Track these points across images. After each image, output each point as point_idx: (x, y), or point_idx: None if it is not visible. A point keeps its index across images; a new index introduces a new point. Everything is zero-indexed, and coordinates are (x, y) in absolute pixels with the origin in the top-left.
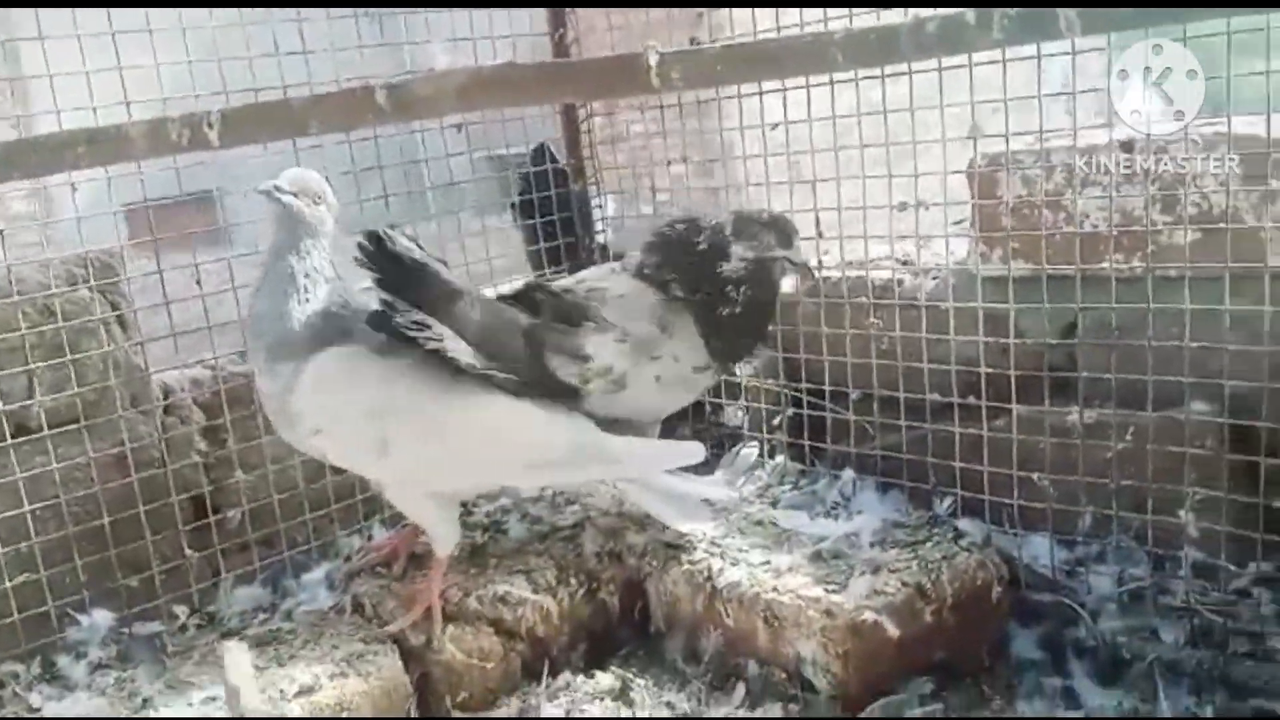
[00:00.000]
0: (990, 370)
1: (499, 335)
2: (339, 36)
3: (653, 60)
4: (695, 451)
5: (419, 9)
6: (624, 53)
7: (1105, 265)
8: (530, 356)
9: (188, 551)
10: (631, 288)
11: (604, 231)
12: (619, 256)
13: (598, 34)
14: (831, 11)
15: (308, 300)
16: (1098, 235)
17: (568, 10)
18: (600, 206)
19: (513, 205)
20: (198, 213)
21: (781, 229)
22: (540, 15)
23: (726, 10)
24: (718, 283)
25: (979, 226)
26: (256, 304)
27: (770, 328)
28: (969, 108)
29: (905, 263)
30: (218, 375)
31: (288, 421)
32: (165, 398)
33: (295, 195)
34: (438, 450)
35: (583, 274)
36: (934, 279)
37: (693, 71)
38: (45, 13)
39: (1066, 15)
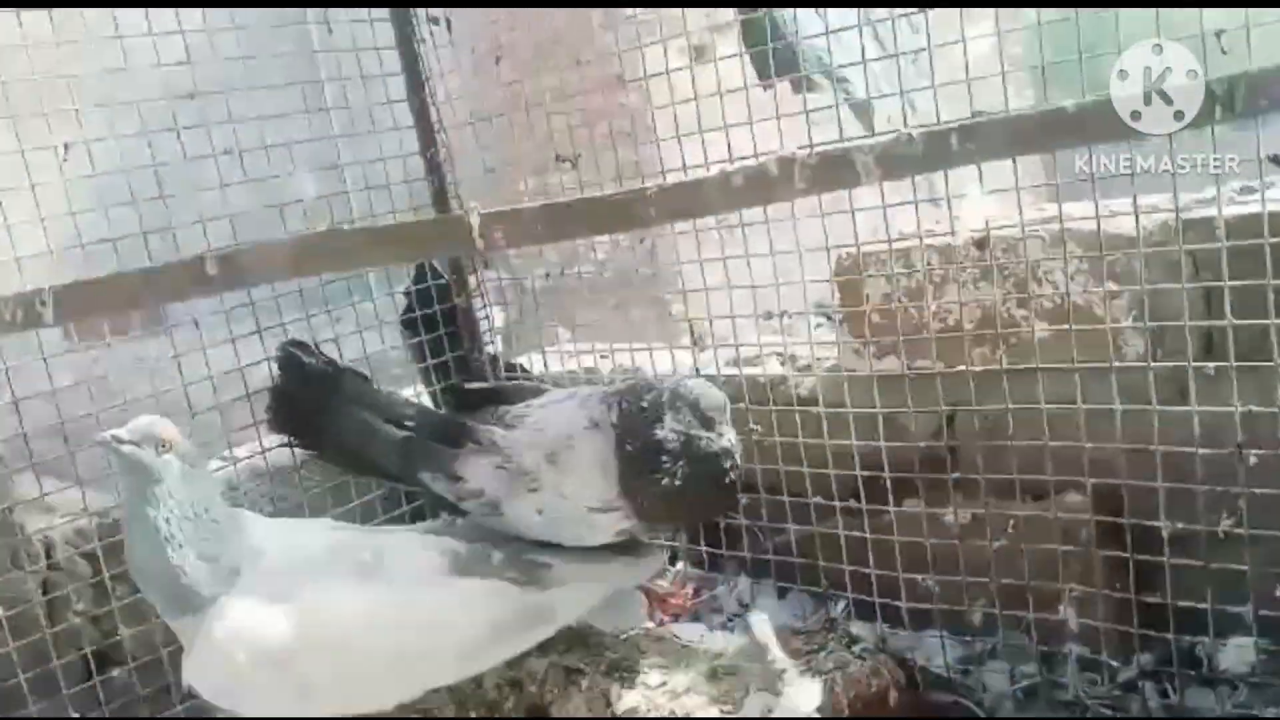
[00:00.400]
0: (866, 473)
1: (374, 442)
2: (200, 177)
3: (474, 221)
4: (650, 568)
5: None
6: (447, 215)
7: (974, 363)
8: (404, 469)
9: (72, 715)
10: (567, 421)
11: (491, 343)
12: (510, 367)
13: (468, 152)
14: None
15: (181, 546)
16: (959, 332)
17: (437, 130)
18: (487, 318)
19: (402, 324)
20: None
21: (702, 412)
22: (410, 136)
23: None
24: (649, 443)
25: (853, 326)
26: (134, 558)
27: (707, 510)
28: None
29: (790, 359)
30: (101, 525)
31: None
32: (48, 555)
33: (137, 444)
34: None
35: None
36: (811, 377)
37: (514, 231)
38: None
39: (865, 163)
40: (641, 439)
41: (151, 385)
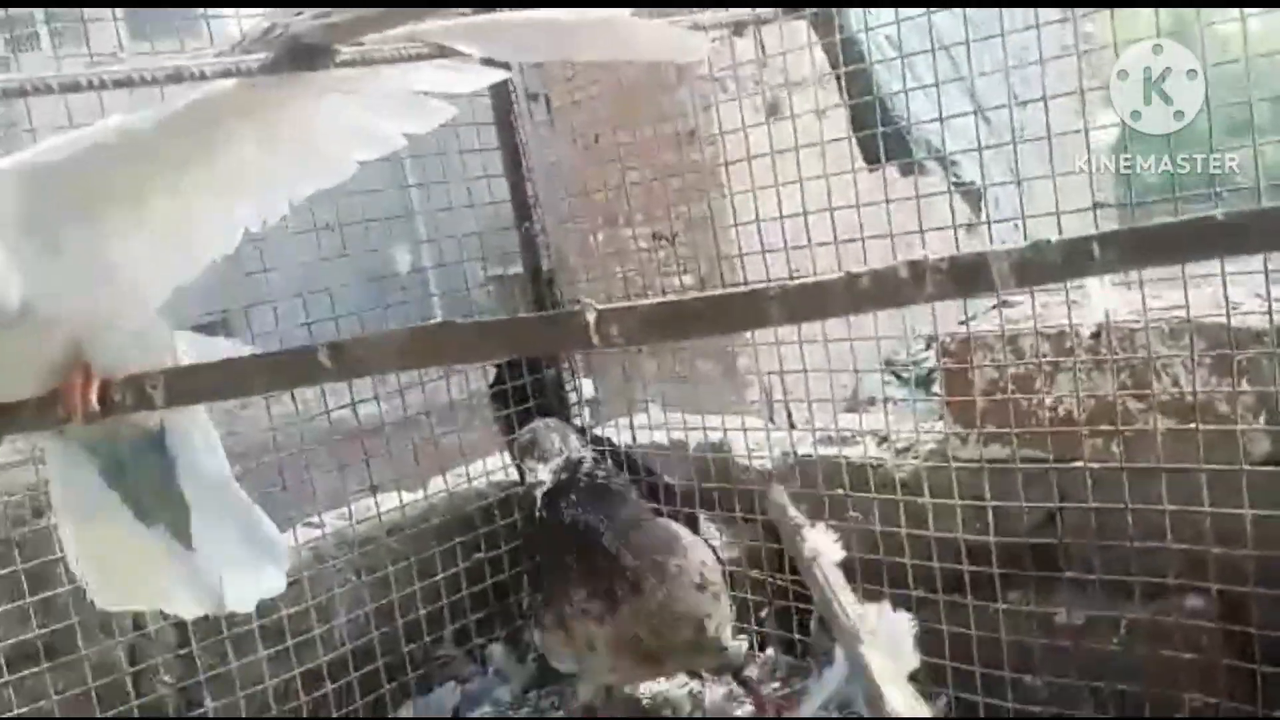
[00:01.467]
0: (973, 568)
1: None
2: (300, 250)
3: (590, 318)
4: None
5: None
6: (562, 310)
7: (1080, 458)
8: None
9: None
10: None
11: (579, 415)
12: (597, 440)
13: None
14: None
15: None
16: (1072, 423)
17: (533, 205)
18: (576, 390)
19: (489, 396)
20: None
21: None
22: (506, 209)
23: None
24: None
25: (958, 411)
26: None
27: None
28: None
29: (883, 440)
30: None
31: None
32: (136, 624)
33: None
34: None
35: None
36: (913, 459)
37: (631, 329)
38: None
39: (1001, 270)
40: None
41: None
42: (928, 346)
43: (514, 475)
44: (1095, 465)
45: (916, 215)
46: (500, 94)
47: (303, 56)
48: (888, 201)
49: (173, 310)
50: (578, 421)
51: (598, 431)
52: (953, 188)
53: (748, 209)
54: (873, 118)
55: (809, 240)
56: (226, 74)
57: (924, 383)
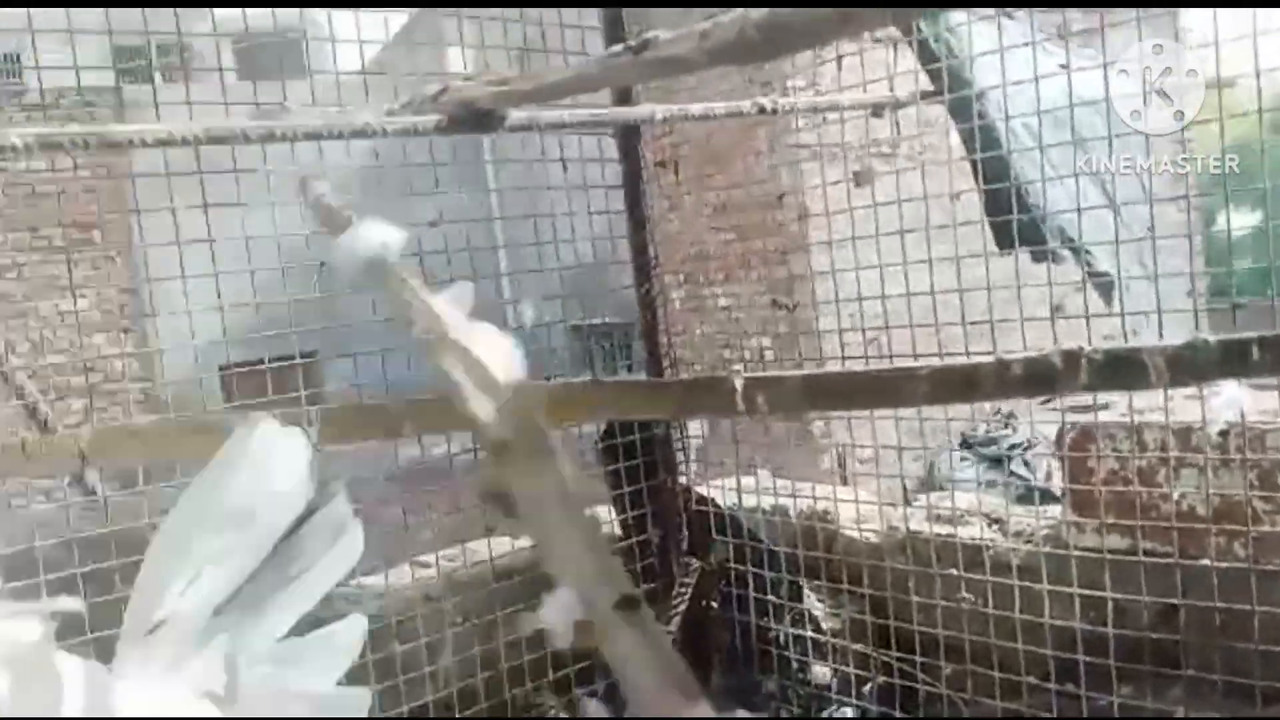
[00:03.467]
0: (1090, 659)
1: None
2: None
3: (738, 384)
4: None
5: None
6: (709, 375)
7: (1204, 555)
8: None
9: None
10: None
11: (685, 474)
12: (700, 500)
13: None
14: None
15: None
16: (1194, 518)
17: (654, 269)
18: (683, 449)
19: (595, 448)
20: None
21: None
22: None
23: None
24: None
25: (1078, 500)
26: None
27: None
28: None
29: (995, 521)
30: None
31: None
32: None
33: None
34: None
35: None
36: (1027, 544)
37: (776, 399)
38: None
39: (1156, 364)
40: None
41: None
42: (1005, 425)
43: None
44: (1221, 564)
45: (1048, 300)
46: (631, 160)
47: (474, 120)
48: (1019, 286)
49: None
50: (683, 480)
51: (702, 491)
52: (1087, 277)
53: (849, 281)
54: (1007, 204)
55: (936, 320)
56: (405, 133)
57: (999, 463)
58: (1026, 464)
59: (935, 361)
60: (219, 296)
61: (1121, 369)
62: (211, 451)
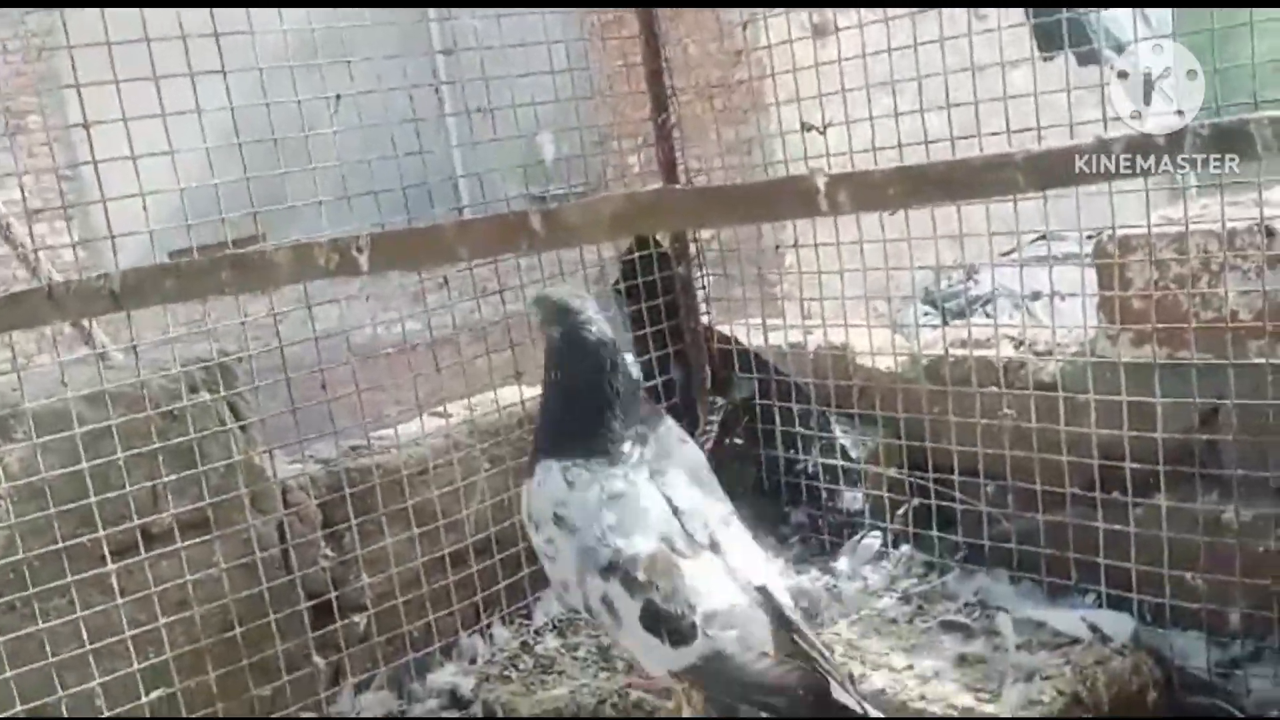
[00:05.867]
0: (1135, 465)
1: None
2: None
3: (820, 183)
4: None
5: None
6: (790, 175)
7: (1249, 353)
8: None
9: (315, 658)
10: None
11: (708, 313)
12: (723, 339)
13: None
14: None
15: None
16: (1240, 323)
17: (670, 96)
18: (704, 288)
19: (616, 291)
20: None
21: None
22: (643, 99)
23: None
24: None
25: (1112, 311)
26: None
27: None
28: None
29: (1021, 344)
30: (339, 474)
31: None
32: (285, 501)
33: None
34: None
35: None
36: (1059, 361)
37: (862, 195)
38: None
39: (1263, 135)
40: None
41: None
42: (968, 278)
43: (636, 372)
44: (1275, 360)
45: (1101, 108)
46: None
47: None
48: (1069, 89)
49: None
50: (705, 319)
51: (725, 330)
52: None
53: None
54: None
55: (978, 131)
56: None
57: (961, 316)
58: (988, 316)
59: (1031, 146)
60: (176, 174)
61: (1228, 140)
62: (249, 286)
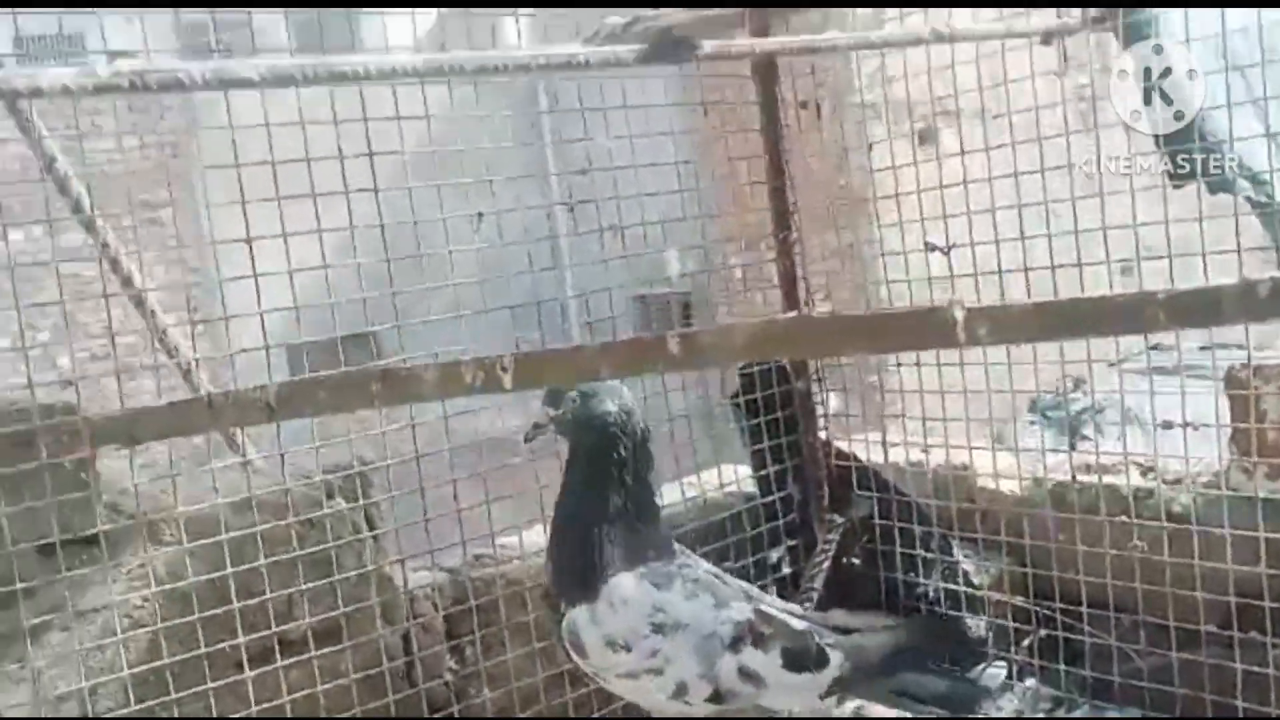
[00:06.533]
0: (1275, 604)
1: None
2: (584, 251)
3: (959, 315)
4: None
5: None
6: (928, 306)
7: None
8: None
9: None
10: None
11: (826, 429)
12: (841, 455)
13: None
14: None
15: None
16: None
17: (793, 212)
18: (822, 403)
19: (735, 405)
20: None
21: None
22: (765, 215)
23: None
24: None
25: (1246, 443)
26: None
27: None
28: None
29: (1149, 471)
30: (462, 582)
31: None
32: (411, 611)
33: None
34: None
35: None
36: (1190, 493)
37: (1002, 329)
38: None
39: None
40: None
41: None
42: (1075, 389)
43: (752, 486)
44: None
45: (1235, 236)
46: (768, 99)
47: (670, 49)
48: (1201, 219)
49: None
50: (823, 435)
51: (843, 446)
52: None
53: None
54: (1184, 134)
55: (1107, 258)
56: (607, 63)
57: (1072, 429)
58: (1097, 428)
59: (1174, 286)
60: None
61: None
62: (395, 399)
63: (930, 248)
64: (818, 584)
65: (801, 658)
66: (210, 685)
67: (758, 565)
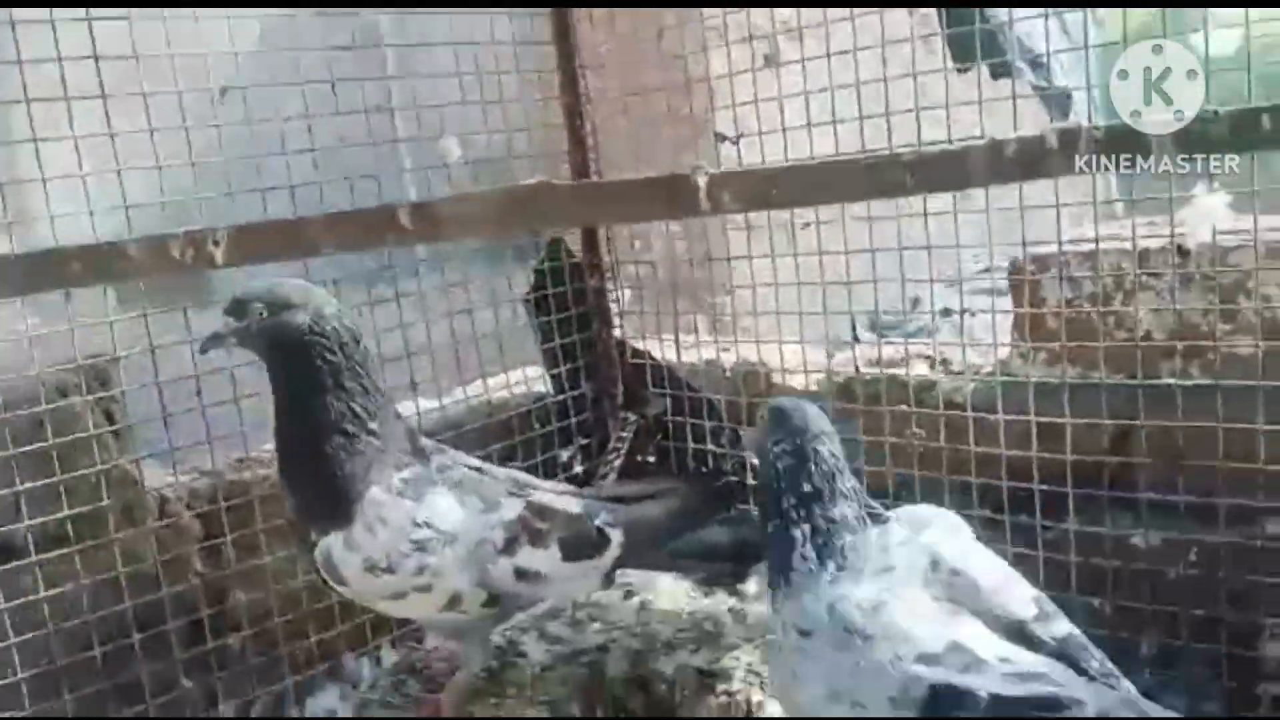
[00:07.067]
0: (1045, 488)
1: None
2: (350, 132)
3: (701, 181)
4: None
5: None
6: (669, 173)
7: (1162, 375)
8: None
9: (184, 681)
10: None
11: (621, 326)
12: (636, 354)
13: (616, 134)
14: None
15: None
16: (1155, 344)
17: (585, 102)
18: (617, 301)
19: (525, 301)
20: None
21: None
22: (555, 106)
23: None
24: None
25: (1024, 329)
26: None
27: None
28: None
29: (942, 362)
30: (217, 485)
31: None
32: (161, 514)
33: None
34: None
35: None
36: (972, 382)
37: (745, 194)
38: (39, 111)
39: (1160, 140)
40: None
41: None
42: (914, 307)
43: (545, 386)
44: (1186, 382)
45: (1012, 121)
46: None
47: None
48: (981, 102)
49: None
50: (617, 333)
51: (638, 345)
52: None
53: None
54: (968, 15)
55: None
56: None
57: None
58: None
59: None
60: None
61: (1123, 144)
62: (101, 278)
63: (720, 138)
64: (609, 481)
65: (581, 546)
66: None
67: (547, 464)
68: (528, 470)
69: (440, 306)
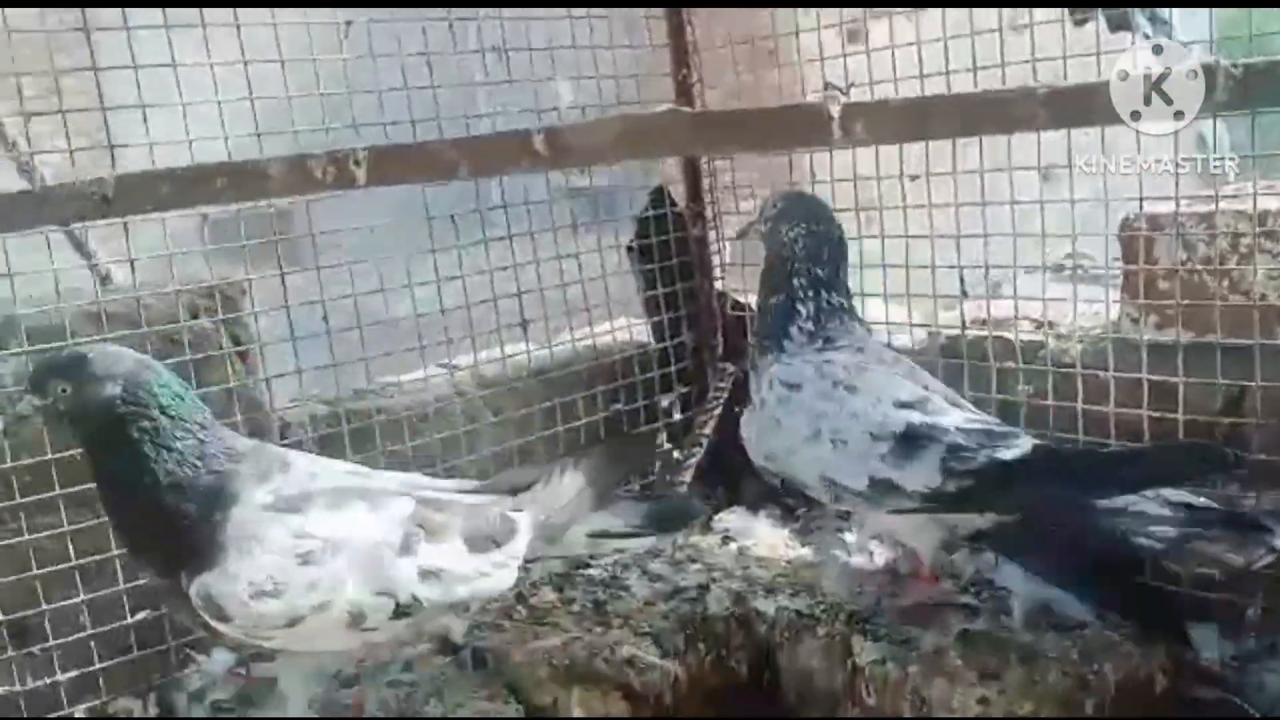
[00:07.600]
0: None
1: None
2: (465, 72)
3: (834, 111)
4: None
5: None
6: (801, 101)
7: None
8: None
9: None
10: None
11: (722, 278)
12: (737, 306)
13: (724, 79)
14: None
15: None
16: (1270, 307)
17: (690, 52)
18: (719, 252)
19: (629, 249)
20: None
21: None
22: (663, 55)
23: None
24: None
25: (1136, 290)
26: None
27: None
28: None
29: (1045, 324)
30: (338, 412)
31: None
32: (282, 436)
33: None
34: None
35: None
36: (1080, 343)
37: (878, 125)
38: (175, 37)
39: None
40: None
41: None
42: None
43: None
44: None
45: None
46: None
47: None
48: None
49: None
50: (719, 285)
51: (739, 298)
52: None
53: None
54: None
55: None
56: None
57: None
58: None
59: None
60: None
61: (1261, 83)
62: (245, 195)
63: (829, 87)
64: (708, 430)
65: (485, 536)
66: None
67: (648, 410)
68: (630, 415)
69: (548, 250)
